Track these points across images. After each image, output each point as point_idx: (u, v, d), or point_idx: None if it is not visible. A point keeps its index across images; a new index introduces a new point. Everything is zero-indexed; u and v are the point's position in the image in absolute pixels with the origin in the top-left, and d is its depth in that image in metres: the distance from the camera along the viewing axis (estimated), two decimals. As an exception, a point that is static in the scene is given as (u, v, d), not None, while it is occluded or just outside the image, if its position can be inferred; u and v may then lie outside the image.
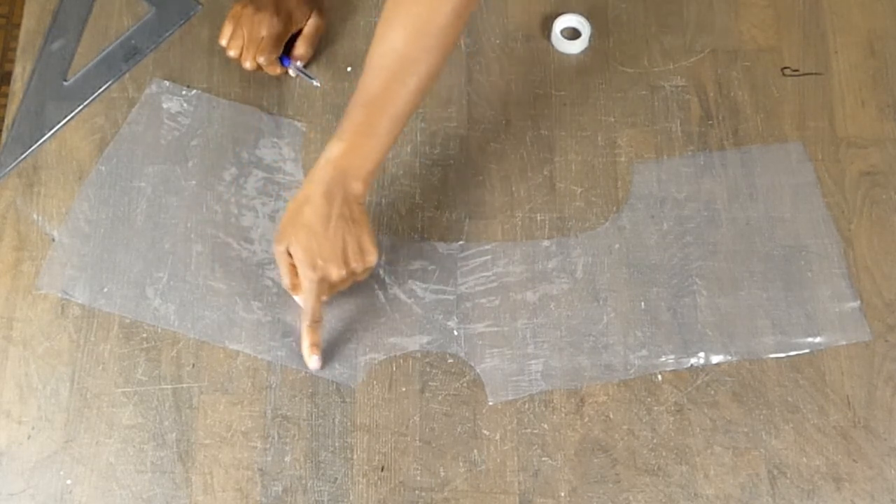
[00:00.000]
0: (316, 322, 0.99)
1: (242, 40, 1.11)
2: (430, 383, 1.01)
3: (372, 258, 0.96)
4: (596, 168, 1.11)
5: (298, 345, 1.01)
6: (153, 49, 1.16)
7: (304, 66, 1.14)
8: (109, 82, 1.15)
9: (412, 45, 0.93)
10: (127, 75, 1.15)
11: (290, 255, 0.96)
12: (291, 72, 1.13)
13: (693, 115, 1.13)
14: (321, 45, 1.16)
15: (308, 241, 0.94)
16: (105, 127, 1.12)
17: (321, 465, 0.98)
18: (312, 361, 1.00)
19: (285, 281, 0.99)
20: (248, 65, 1.11)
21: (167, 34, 1.17)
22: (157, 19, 1.18)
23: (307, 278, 0.95)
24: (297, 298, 1.01)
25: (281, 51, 1.12)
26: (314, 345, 1.00)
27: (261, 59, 1.11)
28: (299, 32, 1.14)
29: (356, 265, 0.95)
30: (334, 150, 0.94)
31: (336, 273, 0.95)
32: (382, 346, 1.02)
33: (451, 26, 0.93)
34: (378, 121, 0.94)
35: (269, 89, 1.14)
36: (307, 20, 1.13)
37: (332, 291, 0.99)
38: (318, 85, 1.13)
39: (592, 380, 1.01)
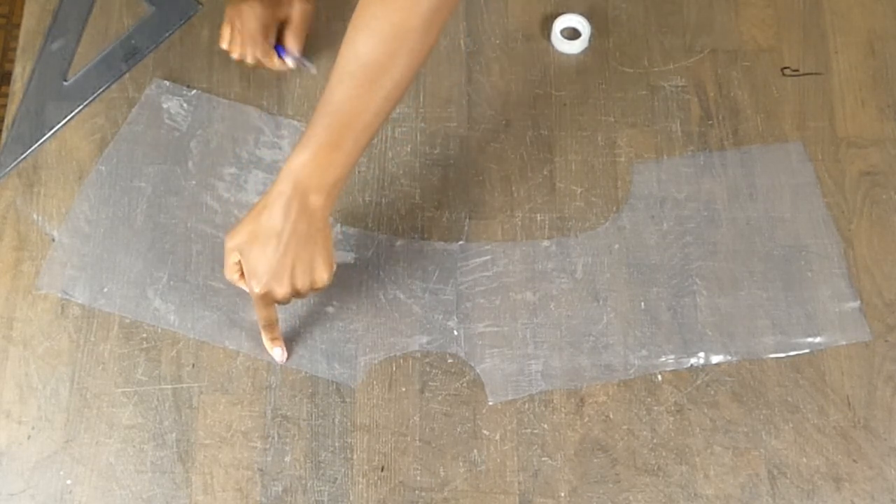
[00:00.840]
0: (270, 325, 0.98)
1: (240, 38, 1.11)
2: (430, 383, 1.01)
3: (321, 279, 0.91)
4: (596, 168, 1.11)
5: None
6: (153, 49, 1.16)
7: (301, 55, 1.13)
8: (109, 82, 1.15)
9: (381, 52, 0.86)
10: (127, 75, 1.15)
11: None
12: (290, 62, 1.13)
13: (693, 115, 1.13)
14: (322, 45, 1.16)
15: (257, 255, 0.90)
16: (105, 127, 1.12)
17: (321, 465, 0.98)
18: (276, 354, 1.00)
19: (227, 274, 0.94)
20: (249, 60, 1.11)
21: (167, 34, 1.17)
22: (157, 19, 1.18)
23: (251, 289, 0.92)
24: (242, 286, 0.95)
25: (273, 40, 1.11)
26: (273, 339, 1.00)
27: (257, 53, 1.11)
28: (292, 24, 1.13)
29: (302, 286, 0.91)
30: (297, 160, 0.88)
31: (279, 292, 0.91)
32: (382, 346, 1.02)
33: (423, 32, 0.86)
34: (343, 133, 0.88)
35: (269, 89, 1.14)
36: (294, 4, 1.12)
37: (281, 303, 0.94)
38: (315, 72, 1.12)
39: (592, 380, 1.01)
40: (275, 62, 1.12)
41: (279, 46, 1.12)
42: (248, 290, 0.94)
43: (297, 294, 0.92)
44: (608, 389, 1.01)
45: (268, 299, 0.93)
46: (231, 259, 0.93)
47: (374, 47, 0.86)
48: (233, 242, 0.92)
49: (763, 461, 0.98)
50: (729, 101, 1.14)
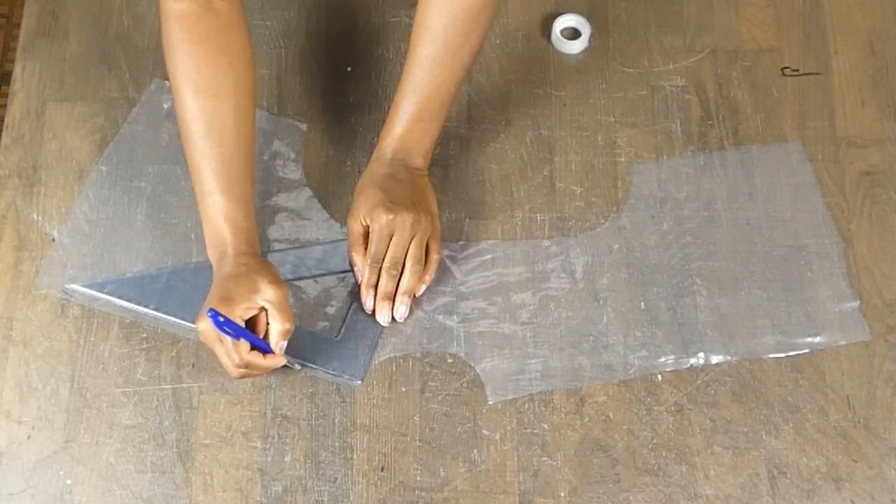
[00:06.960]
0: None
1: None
2: (430, 383, 1.01)
3: (434, 210, 1.04)
4: (596, 168, 1.11)
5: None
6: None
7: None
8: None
9: (456, 32, 0.97)
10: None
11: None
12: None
13: (693, 115, 1.13)
14: (322, 45, 1.16)
15: (394, 195, 1.00)
16: (105, 127, 1.12)
17: (321, 465, 0.98)
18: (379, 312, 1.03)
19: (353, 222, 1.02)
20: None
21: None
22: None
23: (401, 221, 1.00)
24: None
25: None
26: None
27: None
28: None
29: (419, 218, 1.01)
30: (393, 135, 1.01)
31: (409, 219, 1.00)
32: (382, 345, 1.02)
33: (493, 6, 0.98)
34: (429, 107, 1.00)
35: (270, 89, 1.14)
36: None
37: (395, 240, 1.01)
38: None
39: (592, 380, 1.01)
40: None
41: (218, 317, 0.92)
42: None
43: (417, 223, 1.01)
44: (608, 389, 1.00)
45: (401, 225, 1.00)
46: (356, 226, 1.01)
47: (448, 27, 0.97)
48: (367, 206, 1.00)
49: (763, 461, 0.98)
50: (729, 101, 1.14)
